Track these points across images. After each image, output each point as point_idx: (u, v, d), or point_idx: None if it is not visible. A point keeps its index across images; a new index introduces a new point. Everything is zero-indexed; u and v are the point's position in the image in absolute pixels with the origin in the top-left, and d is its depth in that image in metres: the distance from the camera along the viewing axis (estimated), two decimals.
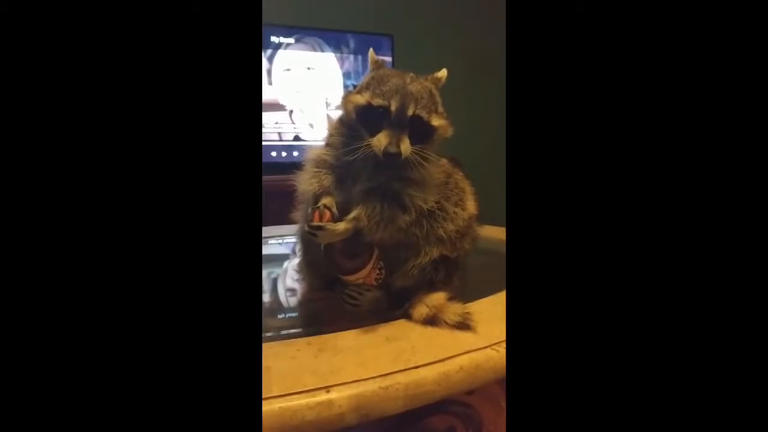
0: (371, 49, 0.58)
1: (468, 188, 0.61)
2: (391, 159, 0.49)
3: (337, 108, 0.57)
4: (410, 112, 0.50)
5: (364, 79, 0.55)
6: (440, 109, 0.54)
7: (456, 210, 0.56)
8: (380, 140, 0.49)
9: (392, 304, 0.56)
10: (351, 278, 0.54)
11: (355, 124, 0.53)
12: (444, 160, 0.59)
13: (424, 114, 0.50)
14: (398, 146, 0.48)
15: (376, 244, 0.54)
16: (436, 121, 0.52)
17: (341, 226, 0.51)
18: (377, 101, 0.50)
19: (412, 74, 0.54)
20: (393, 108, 0.50)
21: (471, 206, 0.59)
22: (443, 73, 0.56)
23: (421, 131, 0.51)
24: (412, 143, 0.50)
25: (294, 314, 0.62)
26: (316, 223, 0.50)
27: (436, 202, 0.54)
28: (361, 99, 0.52)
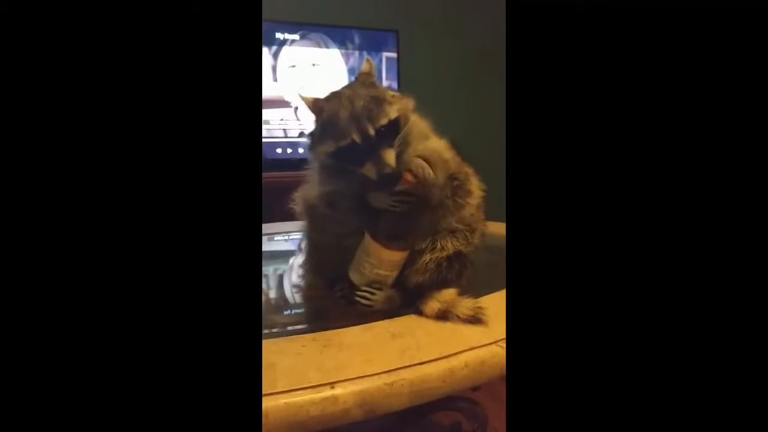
0: (300, 94, 0.56)
1: (469, 171, 0.61)
2: (391, 177, 0.50)
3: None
4: (372, 132, 0.50)
5: (315, 127, 0.55)
6: (390, 94, 0.54)
7: (467, 201, 0.58)
8: (369, 170, 0.50)
9: (404, 302, 0.56)
10: (381, 255, 0.54)
11: (338, 164, 0.53)
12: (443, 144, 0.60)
13: (382, 119, 0.51)
14: (386, 164, 0.49)
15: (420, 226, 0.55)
16: (394, 112, 0.52)
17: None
18: (342, 143, 0.51)
19: (347, 91, 0.54)
20: (358, 139, 0.50)
21: (477, 191, 0.60)
22: (365, 67, 0.57)
23: (390, 131, 0.51)
24: (392, 143, 0.51)
25: (300, 311, 0.63)
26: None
27: (454, 177, 0.56)
28: (329, 148, 0.52)
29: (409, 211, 0.53)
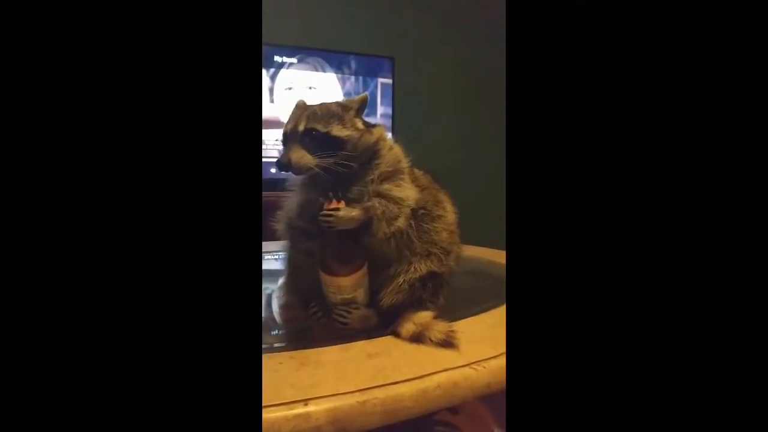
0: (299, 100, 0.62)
1: (444, 197, 0.63)
2: (285, 170, 0.54)
3: None
4: (301, 128, 0.54)
5: None
6: (351, 122, 0.57)
7: (436, 225, 0.59)
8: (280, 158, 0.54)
9: (381, 323, 0.57)
10: (334, 283, 0.56)
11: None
12: (419, 173, 0.62)
13: (319, 127, 0.54)
14: (287, 158, 0.53)
15: (369, 253, 0.56)
16: (338, 132, 0.55)
17: (355, 211, 0.53)
18: (282, 131, 0.57)
19: (325, 101, 0.59)
20: (288, 131, 0.55)
21: (450, 216, 0.62)
22: (361, 96, 0.60)
23: (322, 142, 0.54)
24: (315, 152, 0.53)
25: (282, 330, 0.63)
26: (332, 206, 0.52)
27: (420, 207, 0.58)
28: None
29: (343, 239, 0.55)
